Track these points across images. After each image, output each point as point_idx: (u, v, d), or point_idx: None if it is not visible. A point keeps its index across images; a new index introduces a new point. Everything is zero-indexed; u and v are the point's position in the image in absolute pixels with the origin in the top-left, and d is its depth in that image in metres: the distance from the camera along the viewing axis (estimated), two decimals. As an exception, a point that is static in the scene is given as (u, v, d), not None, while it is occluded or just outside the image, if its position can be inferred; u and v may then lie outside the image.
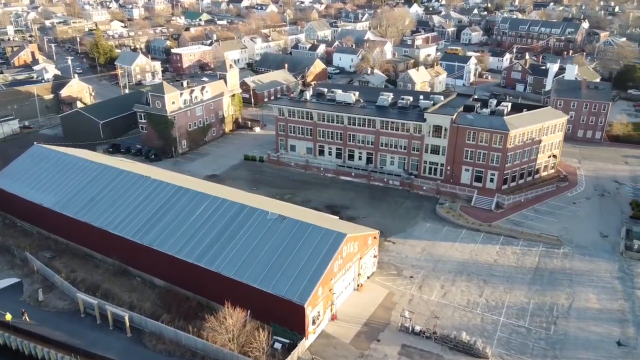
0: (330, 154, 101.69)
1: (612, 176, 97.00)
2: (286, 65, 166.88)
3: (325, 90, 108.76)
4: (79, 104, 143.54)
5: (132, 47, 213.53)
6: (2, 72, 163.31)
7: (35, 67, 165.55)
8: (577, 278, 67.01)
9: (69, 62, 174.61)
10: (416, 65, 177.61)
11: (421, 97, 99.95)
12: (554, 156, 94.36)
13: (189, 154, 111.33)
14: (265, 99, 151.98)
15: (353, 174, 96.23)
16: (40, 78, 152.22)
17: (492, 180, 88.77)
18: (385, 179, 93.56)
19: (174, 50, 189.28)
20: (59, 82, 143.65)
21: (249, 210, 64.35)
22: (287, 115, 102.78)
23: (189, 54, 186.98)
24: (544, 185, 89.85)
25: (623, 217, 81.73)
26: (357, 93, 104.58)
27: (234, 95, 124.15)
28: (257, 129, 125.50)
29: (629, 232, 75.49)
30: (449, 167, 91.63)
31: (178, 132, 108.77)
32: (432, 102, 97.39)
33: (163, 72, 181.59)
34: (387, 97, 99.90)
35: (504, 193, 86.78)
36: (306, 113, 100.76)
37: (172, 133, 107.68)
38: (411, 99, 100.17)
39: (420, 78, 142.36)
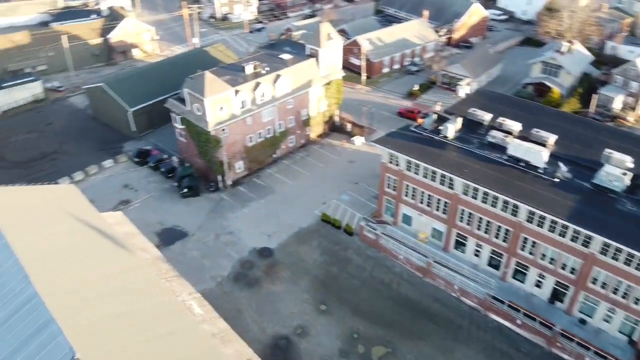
0: (477, 254, 54.35)
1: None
2: (427, 12, 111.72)
3: (485, 117, 58.02)
4: (135, 54, 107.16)
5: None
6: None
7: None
8: None
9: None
10: (633, 30, 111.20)
11: None
12: None
13: (244, 185, 70.17)
14: (385, 69, 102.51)
15: (519, 321, 48.97)
16: (97, 7, 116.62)
17: None
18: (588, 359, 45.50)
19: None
20: (111, 22, 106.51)
21: None
22: (405, 167, 55.67)
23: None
24: None
25: None
26: (553, 139, 53.14)
27: (329, 83, 77.72)
28: (360, 140, 79.22)
29: None
30: None
31: (229, 153, 67.39)
32: None
33: (260, 0, 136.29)
34: (619, 174, 47.57)
35: None
36: (442, 176, 52.86)
37: (217, 155, 66.63)
38: (674, 179, 47.17)
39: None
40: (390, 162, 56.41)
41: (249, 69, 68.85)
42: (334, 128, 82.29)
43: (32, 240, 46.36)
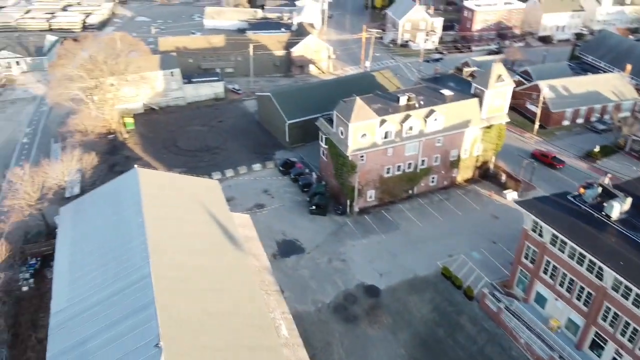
0: (615, 368, 44.10)
1: None
2: (630, 66, 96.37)
3: (671, 205, 46.84)
4: (312, 69, 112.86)
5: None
6: (263, 6, 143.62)
7: (298, 3, 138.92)
8: None
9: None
10: None
11: None
12: None
13: (370, 215, 67.89)
14: (565, 122, 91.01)
15: None
16: (290, 21, 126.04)
17: None
18: None
19: (467, 3, 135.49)
20: (297, 37, 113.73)
21: None
22: (549, 240, 47.73)
23: (486, 12, 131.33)
24: None
25: None
26: None
27: (490, 127, 71.39)
28: (512, 195, 71.09)
29: None
30: None
31: (362, 180, 66.17)
32: None
33: (445, 30, 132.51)
34: None
35: None
36: (590, 262, 43.95)
37: (351, 180, 65.84)
38: None
39: None
40: (533, 231, 48.99)
41: (402, 100, 66.79)
42: (485, 175, 75.38)
43: (164, 224, 50.67)
